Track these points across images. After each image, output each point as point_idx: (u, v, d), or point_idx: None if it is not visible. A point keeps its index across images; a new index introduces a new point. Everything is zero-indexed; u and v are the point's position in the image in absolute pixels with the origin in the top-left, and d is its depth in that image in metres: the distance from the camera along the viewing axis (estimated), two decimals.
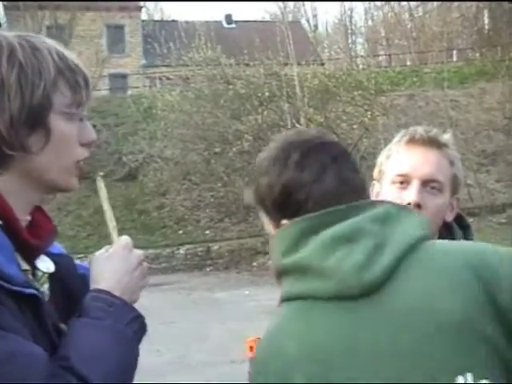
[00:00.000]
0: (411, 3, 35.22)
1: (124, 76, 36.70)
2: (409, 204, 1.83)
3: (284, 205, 1.36)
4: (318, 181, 1.35)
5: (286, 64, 19.73)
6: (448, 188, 1.89)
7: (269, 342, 1.32)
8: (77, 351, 1.25)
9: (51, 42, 1.35)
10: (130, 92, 31.56)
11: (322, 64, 27.75)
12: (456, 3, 27.49)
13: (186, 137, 19.27)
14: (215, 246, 18.21)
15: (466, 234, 1.97)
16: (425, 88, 21.73)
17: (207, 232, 19.30)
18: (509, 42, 23.87)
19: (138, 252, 1.48)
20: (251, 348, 3.20)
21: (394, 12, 37.71)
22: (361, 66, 26.47)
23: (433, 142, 1.90)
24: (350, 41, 41.75)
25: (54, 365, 1.21)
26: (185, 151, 19.40)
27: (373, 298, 1.24)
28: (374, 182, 2.00)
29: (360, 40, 45.08)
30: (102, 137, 22.92)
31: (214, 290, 14.38)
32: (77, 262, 1.48)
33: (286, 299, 1.33)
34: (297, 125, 18.39)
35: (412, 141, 1.92)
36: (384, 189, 1.94)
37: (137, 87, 32.56)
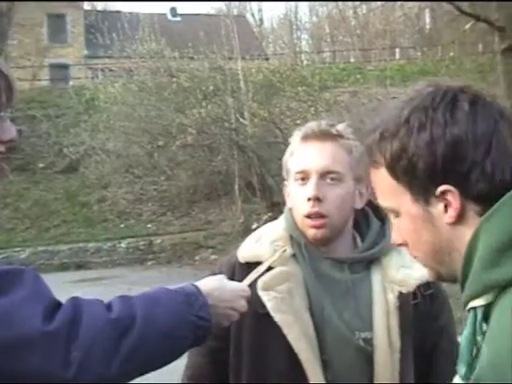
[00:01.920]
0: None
1: (65, 66, 36.11)
2: (309, 199, 1.87)
3: (452, 167, 1.12)
4: (496, 136, 1.12)
5: (230, 58, 19.71)
6: (350, 177, 1.90)
7: None
8: (141, 295, 1.34)
9: None
10: (71, 83, 31.08)
11: (267, 59, 27.79)
12: (398, 2, 27.87)
13: (128, 129, 19.10)
14: (157, 240, 18.12)
15: (384, 224, 1.97)
16: (368, 85, 22.00)
17: (149, 226, 19.19)
18: (449, 42, 24.32)
19: (247, 291, 1.66)
20: None
21: (338, 9, 38.03)
22: (305, 62, 26.65)
23: (325, 135, 1.92)
24: (294, 36, 41.93)
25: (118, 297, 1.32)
26: (127, 144, 19.23)
27: None
28: (285, 182, 2.03)
29: (305, 36, 45.38)
30: (42, 127, 22.57)
31: (155, 284, 14.29)
32: None
33: None
34: (241, 119, 18.41)
35: (305, 137, 1.94)
36: (290, 187, 1.97)
37: (79, 78, 32.08)
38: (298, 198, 1.92)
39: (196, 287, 1.49)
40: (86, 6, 42.31)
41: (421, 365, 1.89)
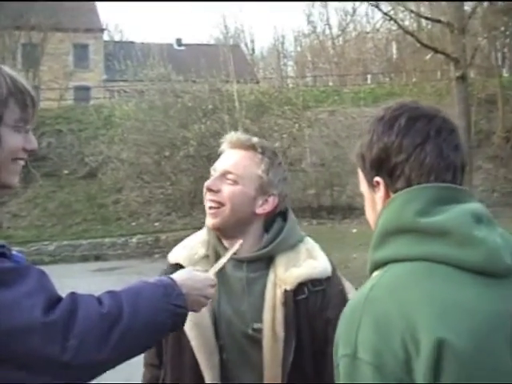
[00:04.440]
0: (333, 33, 35.62)
1: (87, 88, 36.09)
2: (206, 190, 1.87)
3: (380, 164, 1.26)
4: (419, 149, 1.22)
5: (227, 81, 19.71)
6: (250, 183, 1.87)
7: (391, 298, 1.12)
8: (126, 290, 1.36)
9: (6, 68, 1.42)
10: (92, 102, 31.02)
11: (258, 82, 27.81)
12: (370, 35, 27.95)
13: (139, 141, 19.06)
14: (163, 236, 18.04)
15: (284, 226, 1.93)
16: (344, 105, 22.02)
17: (156, 224, 19.14)
18: (412, 70, 24.42)
19: (214, 280, 1.62)
20: None
21: (319, 40, 38.06)
22: (290, 85, 26.64)
23: (239, 144, 1.90)
24: (281, 63, 41.95)
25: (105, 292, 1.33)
26: (138, 154, 19.20)
27: (508, 279, 1.14)
28: None
29: (290, 63, 45.34)
30: (67, 140, 22.51)
31: None
32: (13, 252, 1.46)
33: (399, 259, 1.16)
34: None
35: (227, 143, 1.93)
36: None
37: (98, 98, 32.04)
38: (204, 190, 1.91)
39: (172, 279, 1.50)
40: (106, 37, 42.38)
41: (315, 354, 1.84)
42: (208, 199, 1.87)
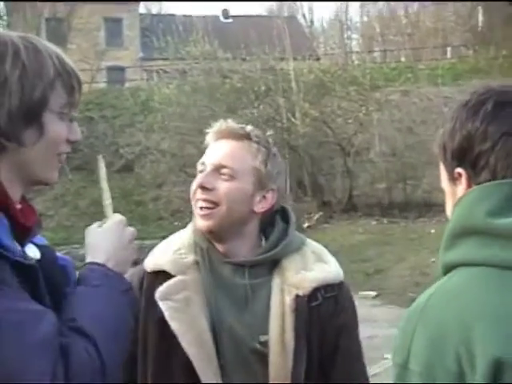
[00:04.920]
0: None
1: (122, 69, 36.58)
2: (198, 187, 1.87)
3: (463, 154, 1.28)
4: (505, 137, 1.25)
5: (282, 59, 19.71)
6: (247, 177, 1.87)
7: (448, 308, 1.16)
8: (81, 314, 1.35)
9: (52, 46, 1.43)
10: (127, 85, 31.47)
11: (318, 59, 27.72)
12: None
13: (182, 129, 19.22)
14: None
15: (288, 229, 1.95)
16: (419, 84, 21.73)
17: None
18: (502, 40, 23.86)
19: (131, 229, 1.56)
20: None
21: (388, 8, 37.70)
22: (356, 62, 26.46)
23: (230, 133, 1.91)
24: (345, 36, 41.70)
25: (62, 325, 1.31)
26: (181, 144, 19.37)
27: None
28: None
29: (355, 35, 45.09)
30: (99, 128, 22.91)
31: None
32: (57, 254, 1.54)
33: (467, 263, 1.20)
34: (292, 119, 18.40)
35: (215, 133, 1.94)
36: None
37: (134, 80, 32.46)
38: (192, 188, 1.91)
39: (112, 272, 1.47)
40: (142, 9, 42.74)
41: (323, 365, 1.88)
42: (199, 198, 1.88)
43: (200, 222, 1.87)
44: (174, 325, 1.83)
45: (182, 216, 19.80)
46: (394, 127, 19.24)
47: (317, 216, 17.88)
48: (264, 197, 1.90)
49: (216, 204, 1.85)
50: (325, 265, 1.93)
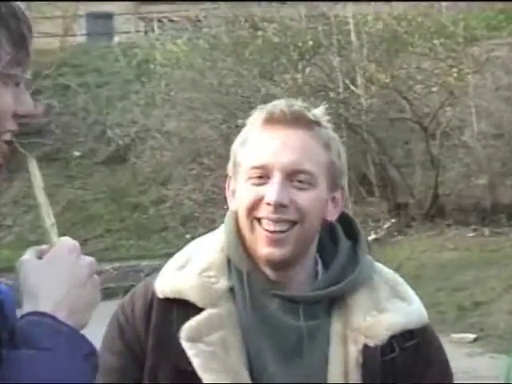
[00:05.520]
0: None
1: (109, 16, 36.70)
2: (268, 204, 1.88)
3: None
4: None
5: (337, 1, 19.65)
6: (323, 179, 1.94)
7: None
8: None
9: None
10: (117, 39, 31.57)
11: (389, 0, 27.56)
12: None
13: (196, 103, 19.29)
14: None
15: (356, 246, 2.02)
16: None
17: None
18: None
19: (88, 259, 1.54)
20: None
21: None
22: (444, 4, 26.23)
23: (299, 119, 1.93)
24: None
25: None
26: (194, 123, 19.42)
27: None
28: (230, 175, 2.04)
29: None
30: (78, 101, 23.05)
31: None
32: None
33: None
34: (351, 87, 18.34)
35: (270, 120, 1.95)
36: (240, 186, 1.98)
37: (127, 32, 32.60)
38: (249, 201, 1.92)
39: (75, 334, 1.43)
40: None
41: None
42: (270, 218, 1.91)
43: (267, 250, 1.90)
44: (207, 377, 1.85)
45: (195, 225, 19.85)
46: (499, 97, 19.09)
47: (387, 224, 17.81)
48: (334, 198, 1.99)
49: (293, 223, 1.91)
50: (403, 303, 1.97)
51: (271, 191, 1.88)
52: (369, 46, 18.50)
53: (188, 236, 19.55)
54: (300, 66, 17.82)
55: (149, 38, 25.85)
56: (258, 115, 1.97)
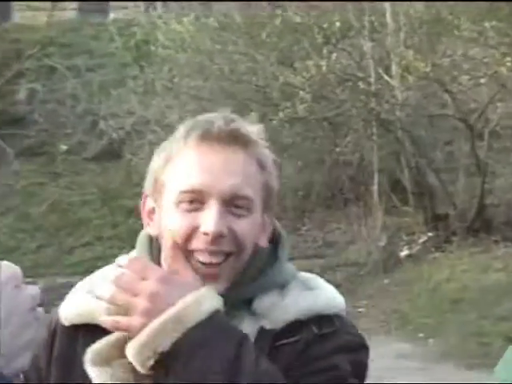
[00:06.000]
0: None
1: None
2: (206, 234, 1.93)
3: None
4: None
5: None
6: (259, 202, 2.03)
7: None
8: None
9: None
10: (112, 15, 31.63)
11: None
12: None
13: (203, 92, 19.34)
14: None
15: (278, 249, 2.14)
16: None
17: None
18: None
19: (31, 289, 1.56)
20: None
21: None
22: None
23: (238, 138, 2.00)
24: None
25: None
26: (201, 115, 19.41)
27: None
28: (148, 194, 2.10)
29: None
30: (67, 87, 23.05)
31: None
32: None
33: None
34: (385, 77, 18.32)
35: (205, 138, 2.01)
36: (165, 209, 2.02)
37: (124, 8, 32.67)
38: (182, 229, 1.97)
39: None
40: None
41: None
42: (204, 250, 1.97)
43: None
44: None
45: None
46: None
47: (423, 238, 17.78)
48: (264, 224, 2.08)
49: (229, 254, 1.98)
50: (311, 291, 2.10)
51: (209, 220, 1.94)
52: (406, 29, 18.47)
53: None
54: (325, 52, 17.76)
55: (150, 15, 25.88)
56: (188, 130, 2.03)
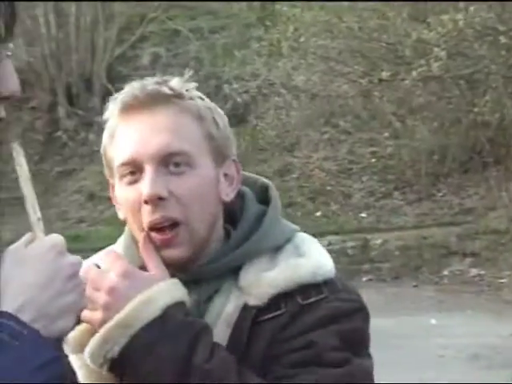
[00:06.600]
0: None
1: None
2: (146, 203, 2.04)
3: None
4: None
5: None
6: (204, 155, 2.11)
7: None
8: None
9: None
10: None
11: None
12: None
13: (330, 52, 19.36)
14: (377, 240, 18.09)
15: (265, 215, 2.20)
16: None
17: (363, 215, 19.43)
18: None
19: (73, 258, 1.65)
20: None
21: None
22: None
23: (157, 99, 2.08)
24: None
25: None
26: (328, 77, 19.47)
27: None
28: (108, 178, 2.20)
29: None
30: (190, 49, 23.13)
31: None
32: None
33: None
34: None
35: (126, 109, 2.10)
36: (117, 189, 2.14)
37: None
38: (129, 203, 2.09)
39: (34, 340, 1.53)
40: None
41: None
42: (152, 221, 2.06)
43: (165, 253, 2.09)
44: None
45: (327, 201, 19.78)
46: None
47: None
48: (226, 175, 2.17)
49: (181, 219, 2.08)
50: (298, 259, 2.13)
51: (144, 186, 2.04)
52: None
53: (318, 214, 19.59)
54: (461, 5, 17.41)
55: None
56: (113, 106, 2.11)
